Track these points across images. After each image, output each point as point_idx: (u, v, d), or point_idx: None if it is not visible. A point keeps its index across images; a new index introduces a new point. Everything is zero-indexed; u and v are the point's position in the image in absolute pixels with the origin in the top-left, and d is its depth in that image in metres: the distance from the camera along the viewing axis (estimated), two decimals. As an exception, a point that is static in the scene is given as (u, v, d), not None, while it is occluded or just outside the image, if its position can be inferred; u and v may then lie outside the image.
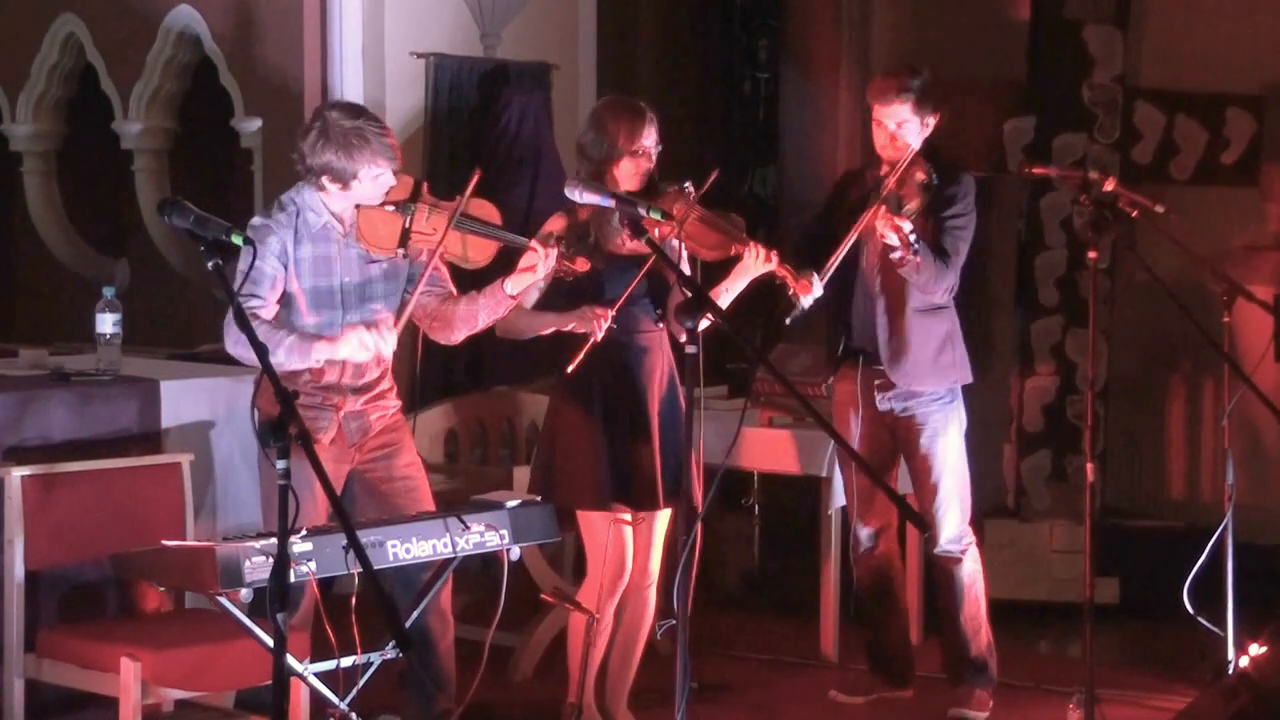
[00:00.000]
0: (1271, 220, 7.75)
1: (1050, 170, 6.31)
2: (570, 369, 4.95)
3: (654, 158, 5.13)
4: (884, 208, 5.34)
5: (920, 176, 5.46)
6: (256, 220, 4.89)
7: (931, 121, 5.56)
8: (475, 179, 4.86)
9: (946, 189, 5.54)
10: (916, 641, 6.30)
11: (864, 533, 5.80)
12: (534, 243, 4.86)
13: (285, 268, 4.81)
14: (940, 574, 5.71)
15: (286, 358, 4.71)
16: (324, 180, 4.84)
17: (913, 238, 5.32)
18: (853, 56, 8.54)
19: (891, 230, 5.31)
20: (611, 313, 4.97)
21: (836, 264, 5.34)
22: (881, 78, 5.62)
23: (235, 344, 4.67)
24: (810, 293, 5.13)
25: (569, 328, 5.03)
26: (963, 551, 5.66)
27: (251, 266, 4.11)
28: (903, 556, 6.05)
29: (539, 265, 4.83)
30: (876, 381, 5.64)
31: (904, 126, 5.50)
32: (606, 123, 5.12)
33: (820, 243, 5.47)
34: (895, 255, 5.35)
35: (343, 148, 4.79)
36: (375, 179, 4.83)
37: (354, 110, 4.93)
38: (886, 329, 5.59)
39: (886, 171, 5.48)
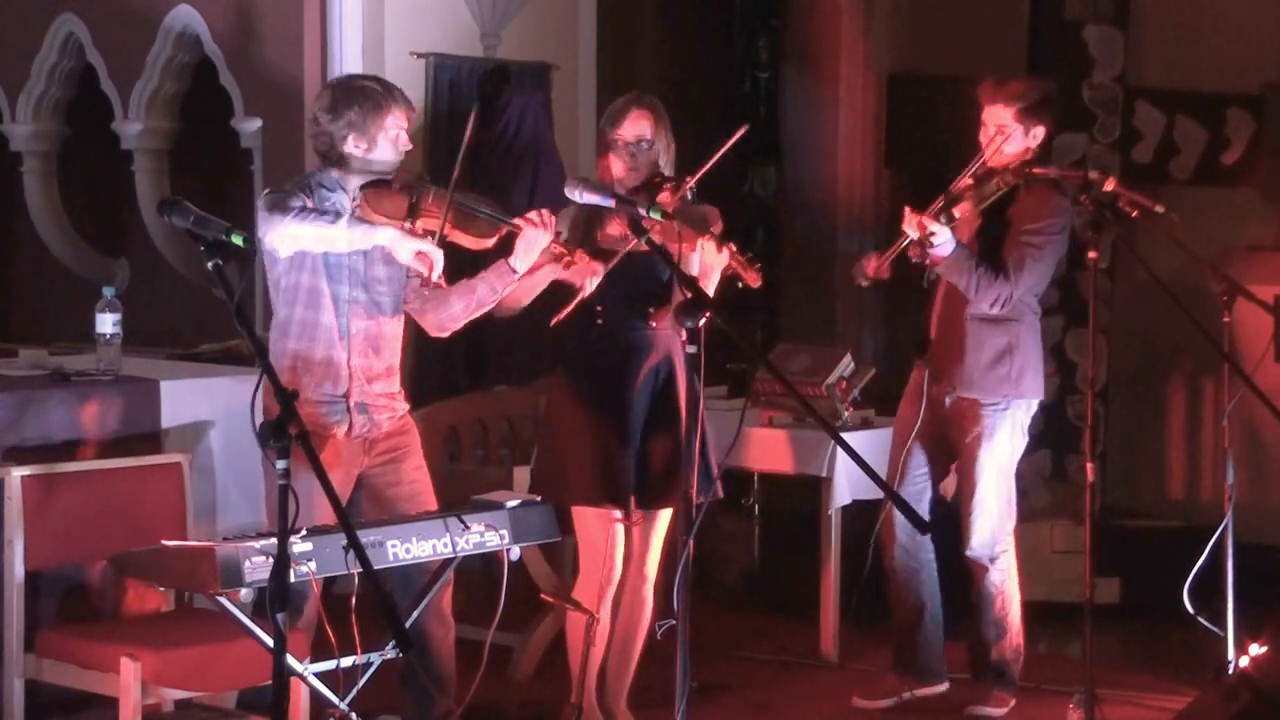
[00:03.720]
0: (1271, 220, 7.75)
1: (1050, 170, 6.31)
2: (554, 321, 4.93)
3: (647, 150, 5.13)
4: (908, 208, 5.37)
5: (996, 184, 5.44)
6: (268, 190, 4.93)
7: (1039, 133, 5.56)
8: (472, 120, 4.87)
9: (1034, 204, 5.51)
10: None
11: (890, 523, 5.79)
12: (531, 215, 4.87)
13: None
14: (970, 576, 5.73)
15: (347, 232, 4.72)
16: (348, 143, 4.85)
17: (937, 239, 5.31)
18: (853, 56, 8.54)
19: (914, 228, 5.34)
20: (605, 269, 4.94)
21: (895, 254, 5.41)
22: (993, 79, 5.61)
23: (291, 229, 4.71)
24: (758, 284, 5.02)
25: (563, 278, 5.03)
26: (992, 560, 5.65)
27: (246, 273, 4.14)
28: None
29: (538, 232, 4.82)
30: (933, 377, 5.66)
31: (1003, 132, 5.50)
32: (607, 112, 5.22)
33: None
34: (922, 252, 5.38)
35: (368, 97, 4.85)
36: (396, 136, 4.88)
37: (362, 75, 5.11)
38: (939, 329, 5.63)
39: (971, 171, 5.49)
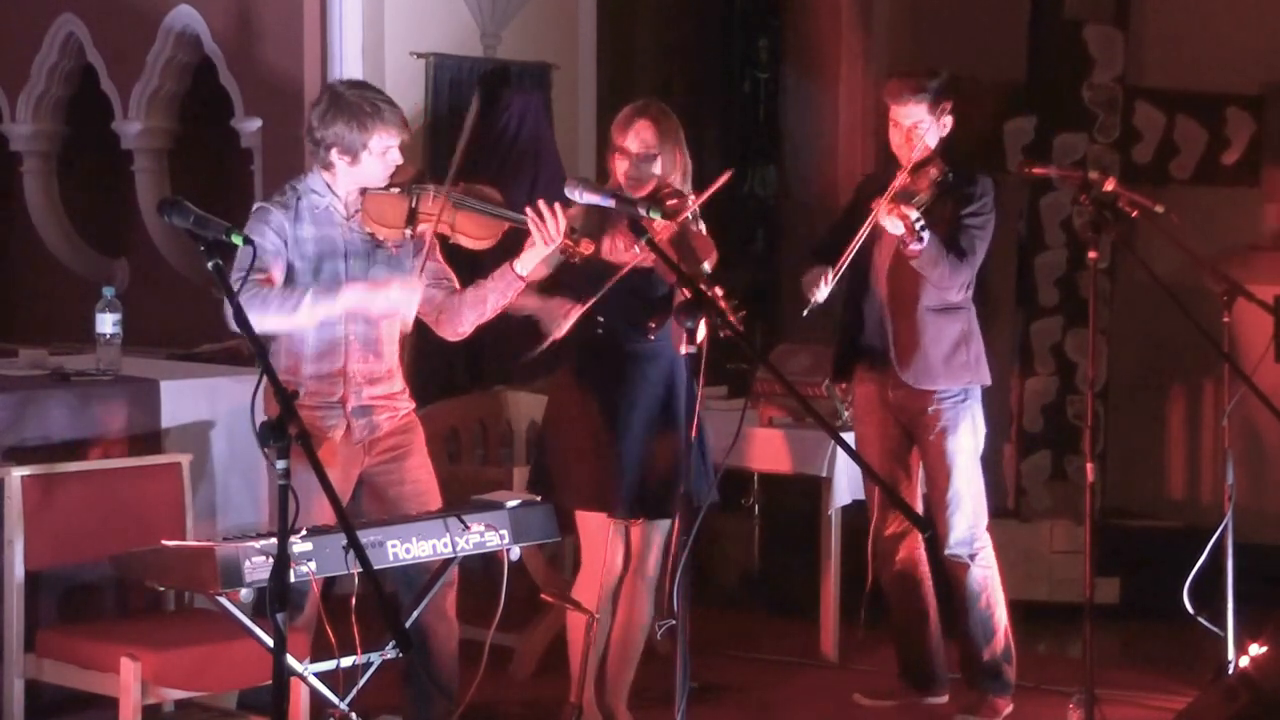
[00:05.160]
0: (1271, 220, 7.75)
1: (1050, 170, 6.31)
2: (524, 360, 4.94)
3: (650, 163, 5.10)
4: (890, 197, 5.35)
5: (933, 173, 5.46)
6: (257, 204, 4.92)
7: (948, 121, 5.57)
8: (460, 152, 4.87)
9: (965, 188, 5.54)
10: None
11: (883, 536, 5.78)
12: (541, 201, 4.84)
13: (285, 244, 4.81)
14: (950, 578, 5.69)
15: (311, 311, 4.71)
16: (333, 154, 4.83)
17: (919, 225, 5.30)
18: (853, 56, 8.55)
19: (897, 218, 5.29)
20: (575, 312, 4.93)
21: (850, 258, 5.34)
22: (898, 78, 5.60)
23: (256, 321, 4.67)
24: (738, 331, 4.79)
25: (535, 315, 5.03)
26: (971, 556, 5.62)
27: (253, 263, 4.14)
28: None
29: (545, 231, 4.81)
30: (891, 381, 5.63)
31: (920, 126, 5.49)
32: (615, 120, 5.19)
33: (840, 246, 5.46)
34: (905, 246, 5.35)
35: (354, 117, 4.79)
36: (384, 153, 4.84)
37: (363, 84, 4.98)
38: (895, 328, 5.58)
39: (902, 171, 5.46)
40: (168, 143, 8.26)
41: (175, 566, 4.28)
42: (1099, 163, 7.09)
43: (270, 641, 3.78)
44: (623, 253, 5.04)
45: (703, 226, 5.15)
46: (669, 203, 4.96)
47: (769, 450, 6.35)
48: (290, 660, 4.04)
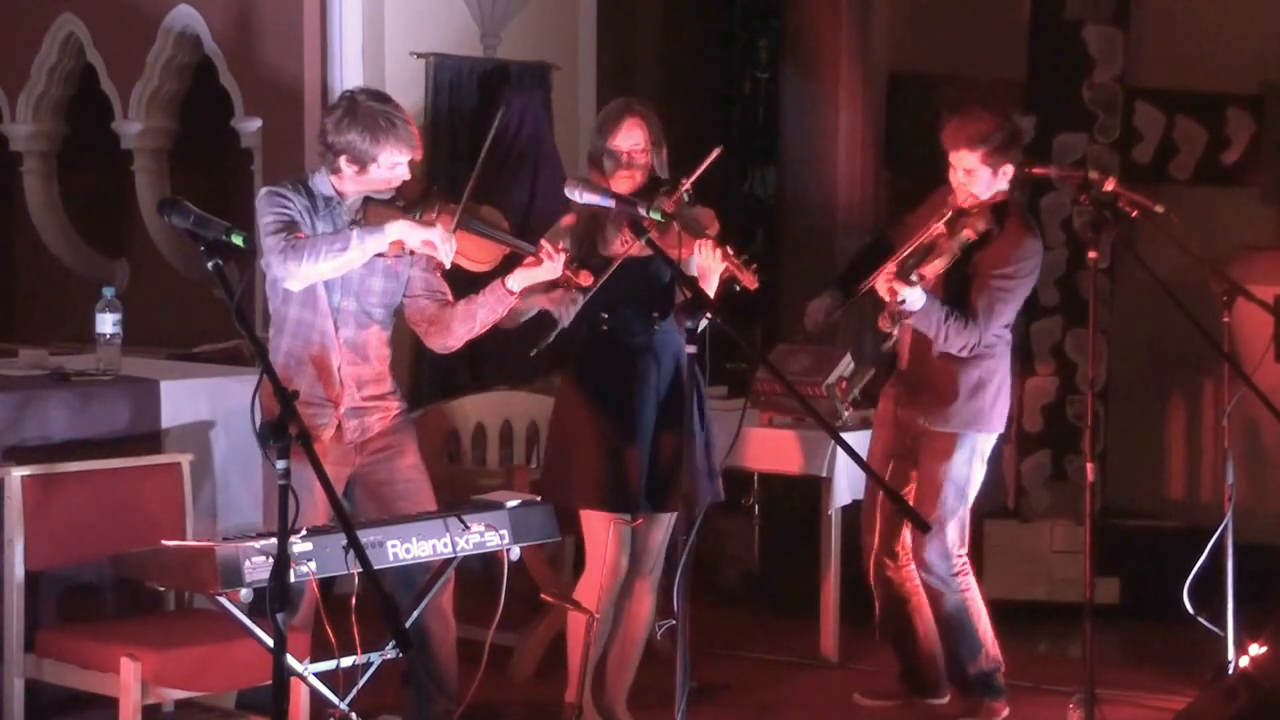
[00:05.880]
0: (1271, 220, 7.75)
1: (1050, 170, 6.30)
2: (533, 352, 4.91)
3: (642, 158, 5.10)
4: (892, 268, 5.25)
5: (968, 234, 5.32)
6: (265, 189, 4.89)
7: (1008, 170, 5.39)
8: (475, 176, 4.89)
9: (1005, 247, 5.38)
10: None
11: (877, 554, 5.75)
12: (544, 241, 4.87)
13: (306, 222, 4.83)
14: (929, 600, 5.67)
15: (360, 247, 4.69)
16: (341, 160, 4.83)
17: (903, 305, 5.21)
18: (853, 56, 8.55)
19: (887, 294, 5.24)
20: (581, 298, 4.92)
21: (848, 304, 5.33)
22: (957, 121, 5.40)
23: (310, 271, 4.71)
24: (754, 286, 4.88)
25: (544, 307, 5.03)
26: (945, 583, 5.58)
27: (253, 266, 4.14)
28: None
29: (544, 266, 4.83)
30: (900, 399, 5.60)
31: (971, 175, 5.37)
32: (599, 122, 5.19)
33: (855, 281, 5.41)
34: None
35: (368, 129, 4.79)
36: (393, 167, 4.84)
37: (382, 97, 4.97)
38: (910, 361, 5.56)
39: (941, 217, 5.35)
40: (168, 143, 8.25)
41: (175, 566, 4.28)
42: (1099, 163, 7.09)
43: (270, 641, 3.78)
44: (617, 246, 5.06)
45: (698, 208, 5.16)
46: (662, 192, 4.99)
47: (769, 450, 6.35)
48: (290, 660, 4.04)
